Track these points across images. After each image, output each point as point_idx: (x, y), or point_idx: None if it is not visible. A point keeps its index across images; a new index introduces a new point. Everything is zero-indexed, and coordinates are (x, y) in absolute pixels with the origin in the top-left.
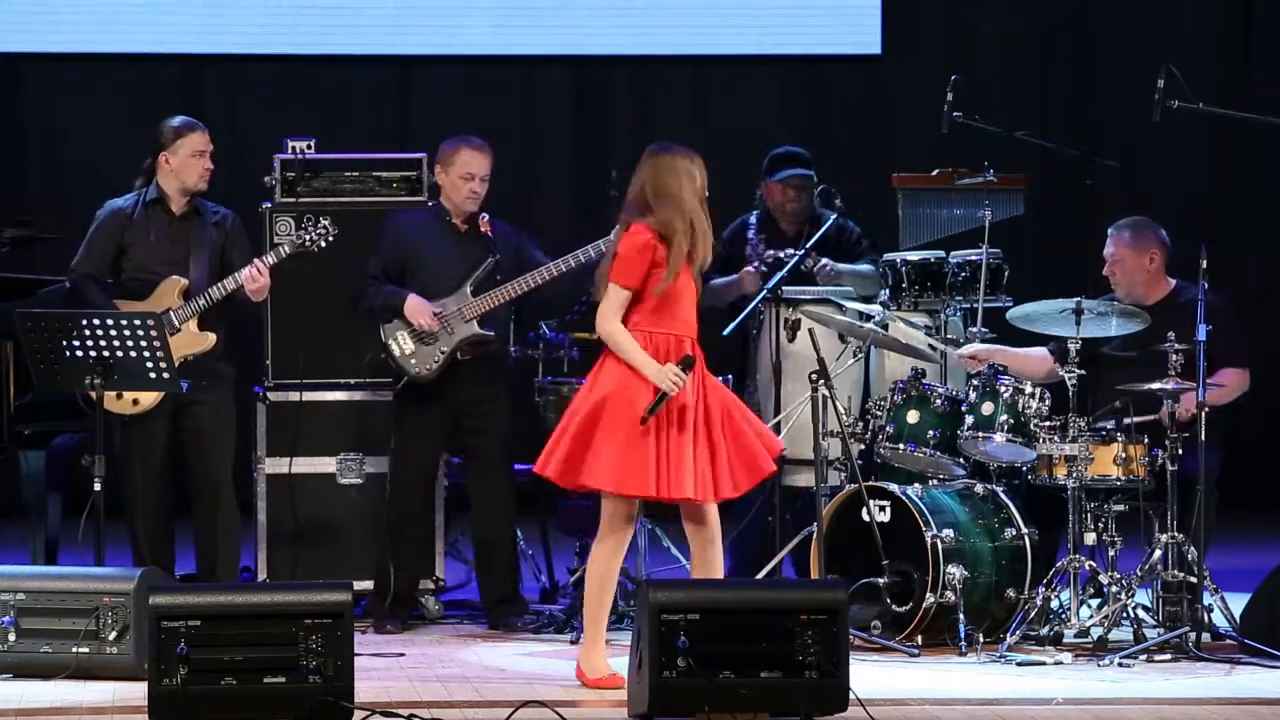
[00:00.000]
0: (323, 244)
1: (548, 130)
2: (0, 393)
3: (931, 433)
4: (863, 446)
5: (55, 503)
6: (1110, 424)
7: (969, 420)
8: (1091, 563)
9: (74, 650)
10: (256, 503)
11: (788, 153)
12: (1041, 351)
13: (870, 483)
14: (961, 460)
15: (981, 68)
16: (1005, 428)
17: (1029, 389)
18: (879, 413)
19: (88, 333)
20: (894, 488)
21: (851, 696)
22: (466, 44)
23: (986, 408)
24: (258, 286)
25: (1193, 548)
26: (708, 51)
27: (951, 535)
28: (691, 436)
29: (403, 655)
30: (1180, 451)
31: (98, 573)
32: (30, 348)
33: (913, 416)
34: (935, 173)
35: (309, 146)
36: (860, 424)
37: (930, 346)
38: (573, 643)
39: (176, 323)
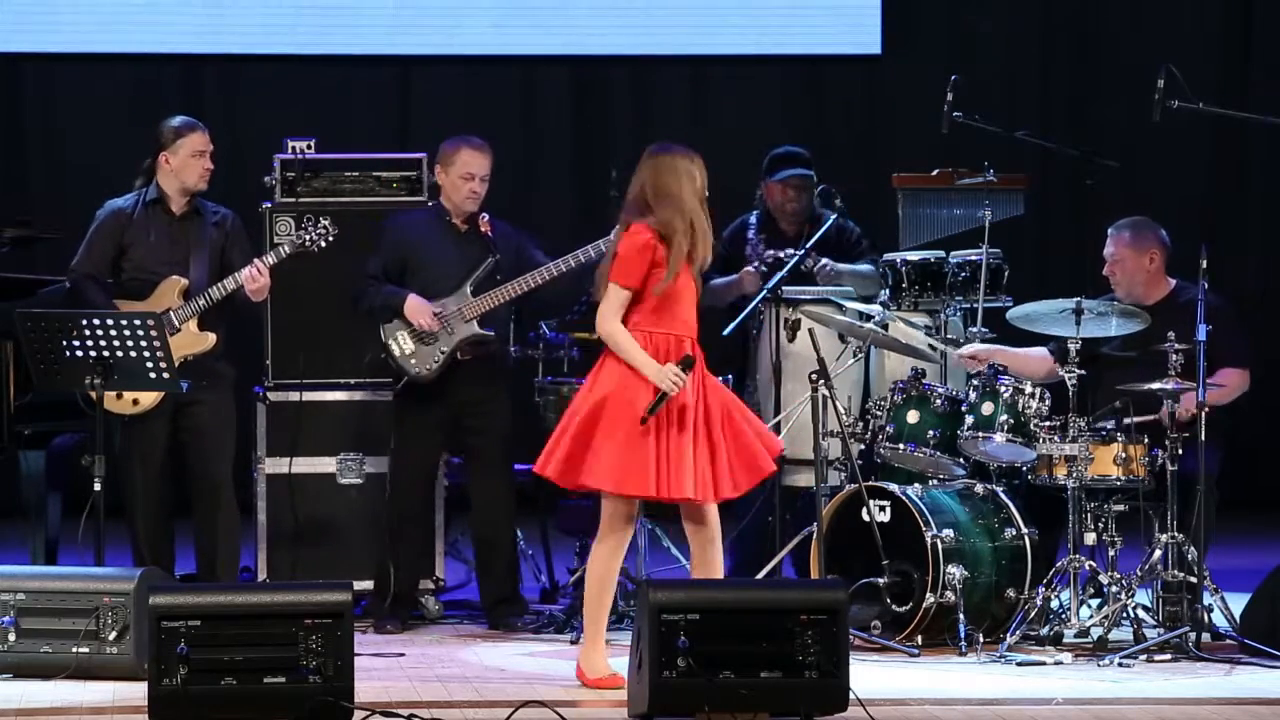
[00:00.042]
0: (323, 244)
1: (548, 130)
2: (0, 393)
3: (931, 433)
4: (863, 446)
5: (55, 503)
6: (1110, 424)
7: (969, 420)
8: (1091, 563)
9: (74, 650)
10: (256, 503)
11: (787, 153)
12: (1041, 351)
13: (870, 483)
14: (961, 460)
15: (981, 68)
16: (1005, 428)
17: (1029, 389)
18: (879, 413)
19: (88, 333)
20: (894, 488)
21: (851, 696)
22: (466, 44)
23: (986, 408)
24: (258, 286)
25: (1193, 548)
26: (708, 51)
27: (951, 535)
28: (691, 436)
29: (403, 655)
30: (1180, 451)
31: (98, 573)
32: (30, 348)
33: (913, 416)
34: (935, 173)
35: (309, 146)
36: (860, 424)
37: (930, 346)
38: (573, 643)
39: (176, 323)
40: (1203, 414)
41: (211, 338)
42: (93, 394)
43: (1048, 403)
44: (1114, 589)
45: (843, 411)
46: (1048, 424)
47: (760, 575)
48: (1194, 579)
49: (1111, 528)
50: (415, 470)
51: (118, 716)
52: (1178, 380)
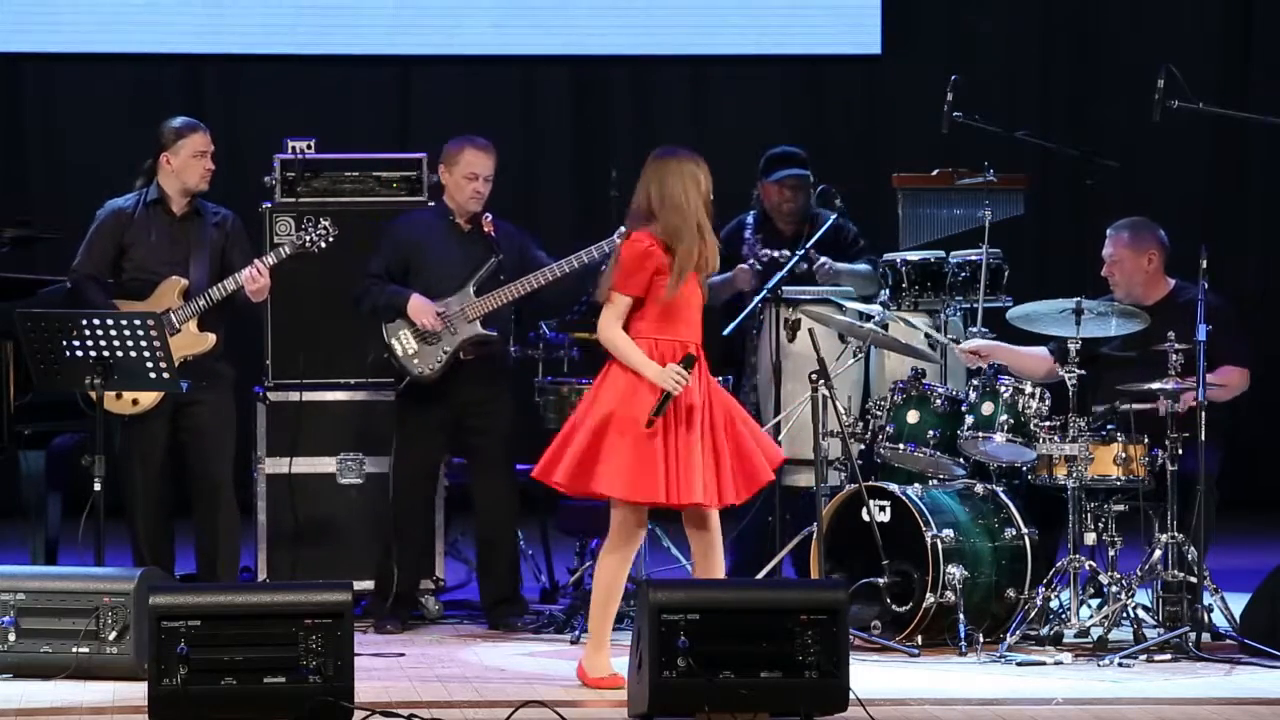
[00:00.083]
0: (323, 245)
1: (548, 130)
2: (0, 393)
3: (931, 433)
4: (863, 446)
5: (55, 503)
6: (1108, 421)
7: (969, 420)
8: (1091, 563)
9: (74, 650)
10: (256, 503)
11: (783, 153)
12: (1041, 351)
13: (870, 483)
14: (961, 460)
15: (981, 68)
16: (1005, 428)
17: (1029, 389)
18: (879, 413)
19: (88, 333)
20: (894, 488)
21: (851, 696)
22: (466, 44)
23: (986, 408)
24: (258, 287)
25: (1193, 548)
26: (708, 51)
27: (951, 535)
28: (700, 437)
29: (403, 655)
30: (1180, 451)
31: (98, 573)
32: (30, 348)
33: (913, 416)
34: (935, 173)
35: (309, 146)
36: (860, 424)
37: (927, 335)
38: (573, 643)
39: (176, 323)
40: (1202, 414)
41: (211, 338)
42: (93, 394)
43: (1048, 403)
44: (1114, 589)
45: (843, 411)
46: (1048, 424)
47: (760, 575)
48: (1194, 579)
49: (1111, 528)
50: (418, 470)
51: (118, 716)
52: (1178, 380)
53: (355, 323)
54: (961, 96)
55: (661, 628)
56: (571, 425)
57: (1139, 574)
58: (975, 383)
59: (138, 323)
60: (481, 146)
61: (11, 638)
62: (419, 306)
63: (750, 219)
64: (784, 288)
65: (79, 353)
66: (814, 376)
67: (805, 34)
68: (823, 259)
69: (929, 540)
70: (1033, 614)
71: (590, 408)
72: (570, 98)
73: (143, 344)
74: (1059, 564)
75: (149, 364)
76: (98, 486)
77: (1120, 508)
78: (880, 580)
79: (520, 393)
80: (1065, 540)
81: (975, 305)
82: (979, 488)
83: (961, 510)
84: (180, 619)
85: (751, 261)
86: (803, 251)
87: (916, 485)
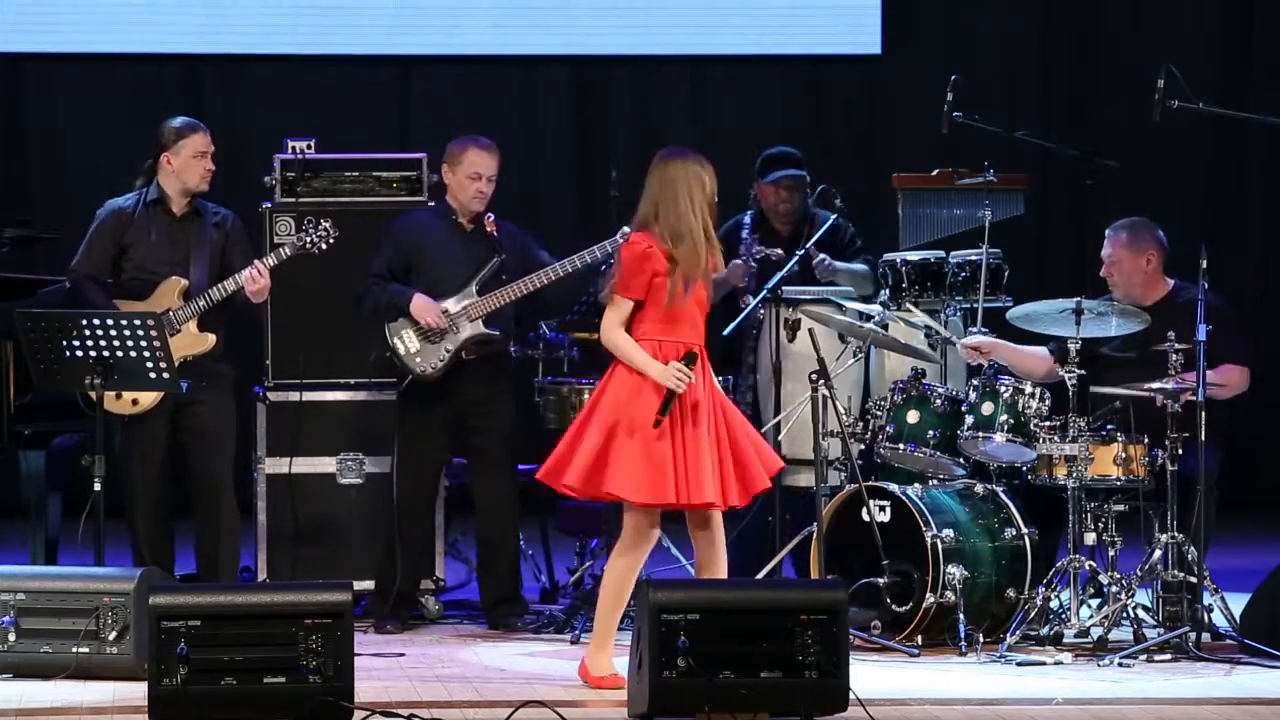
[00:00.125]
0: (323, 246)
1: (548, 130)
2: (0, 393)
3: (931, 433)
4: (863, 446)
5: (55, 503)
6: (1108, 421)
7: (969, 420)
8: (1091, 563)
9: (74, 650)
10: (256, 503)
11: (780, 153)
12: (1042, 351)
13: (870, 483)
14: (961, 460)
15: (981, 68)
16: (1005, 428)
17: (1029, 389)
18: (879, 413)
19: (88, 333)
20: (894, 488)
21: (851, 696)
22: (466, 44)
23: (986, 408)
24: (258, 288)
25: (1193, 548)
26: (708, 51)
27: (951, 535)
28: (707, 433)
29: (403, 655)
30: (1180, 451)
31: (98, 573)
32: (30, 348)
33: (913, 416)
34: (935, 173)
35: (309, 146)
36: (860, 424)
37: (928, 329)
38: (573, 643)
39: (176, 323)
40: (1202, 414)
41: (211, 338)
42: (93, 394)
43: (1048, 403)
44: (1114, 589)
45: (843, 411)
46: (1048, 424)
47: (760, 575)
48: (1194, 579)
49: (1111, 528)
50: (419, 470)
51: (118, 716)
52: (1177, 380)
53: (355, 323)
54: (961, 96)
55: (661, 628)
56: (577, 427)
57: (1139, 574)
58: (975, 383)
59: (138, 323)
60: (485, 146)
61: (11, 638)
62: (422, 305)
63: (748, 219)
64: (784, 288)
65: (79, 353)
66: (814, 376)
67: (805, 34)
68: (821, 255)
69: (929, 540)
70: (1033, 614)
71: (596, 410)
72: (570, 98)
73: (143, 344)
74: (1059, 564)
75: (149, 364)
76: (98, 486)
77: (1120, 508)
78: (880, 580)
79: (520, 393)
80: (1065, 540)
81: (975, 305)
82: (979, 488)
83: (961, 510)
84: (180, 619)
85: (745, 257)
86: (801, 253)
87: (916, 485)
